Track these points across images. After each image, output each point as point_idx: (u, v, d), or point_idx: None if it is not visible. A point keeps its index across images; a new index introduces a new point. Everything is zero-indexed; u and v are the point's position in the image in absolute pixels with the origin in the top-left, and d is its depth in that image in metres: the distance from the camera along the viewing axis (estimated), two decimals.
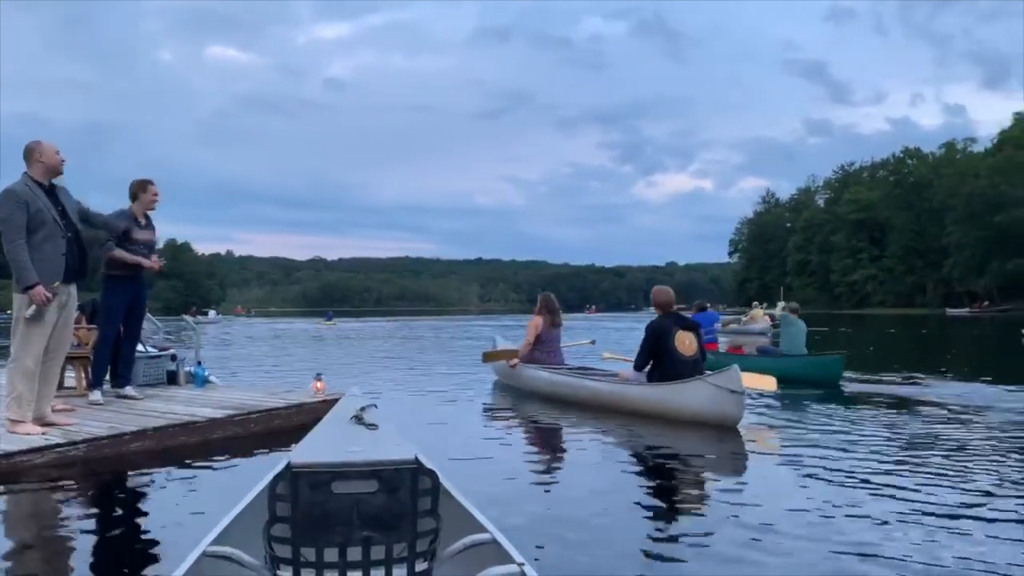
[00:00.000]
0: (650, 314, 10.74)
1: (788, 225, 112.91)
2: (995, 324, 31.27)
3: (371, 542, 1.92)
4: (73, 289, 5.22)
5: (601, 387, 7.41)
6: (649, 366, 7.02)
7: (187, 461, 4.89)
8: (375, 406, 2.58)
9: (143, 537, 3.50)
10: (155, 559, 3.13)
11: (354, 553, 1.91)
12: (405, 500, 1.96)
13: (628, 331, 25.13)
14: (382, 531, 1.93)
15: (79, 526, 3.68)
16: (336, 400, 6.32)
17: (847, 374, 10.02)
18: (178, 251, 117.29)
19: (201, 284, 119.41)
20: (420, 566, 1.96)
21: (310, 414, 6.22)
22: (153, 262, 6.43)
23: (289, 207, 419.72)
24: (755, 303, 32.55)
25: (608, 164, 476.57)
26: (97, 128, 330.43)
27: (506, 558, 1.94)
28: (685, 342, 6.85)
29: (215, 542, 1.99)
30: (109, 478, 4.59)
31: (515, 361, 8.85)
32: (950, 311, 64.21)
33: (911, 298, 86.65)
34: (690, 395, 6.41)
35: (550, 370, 8.38)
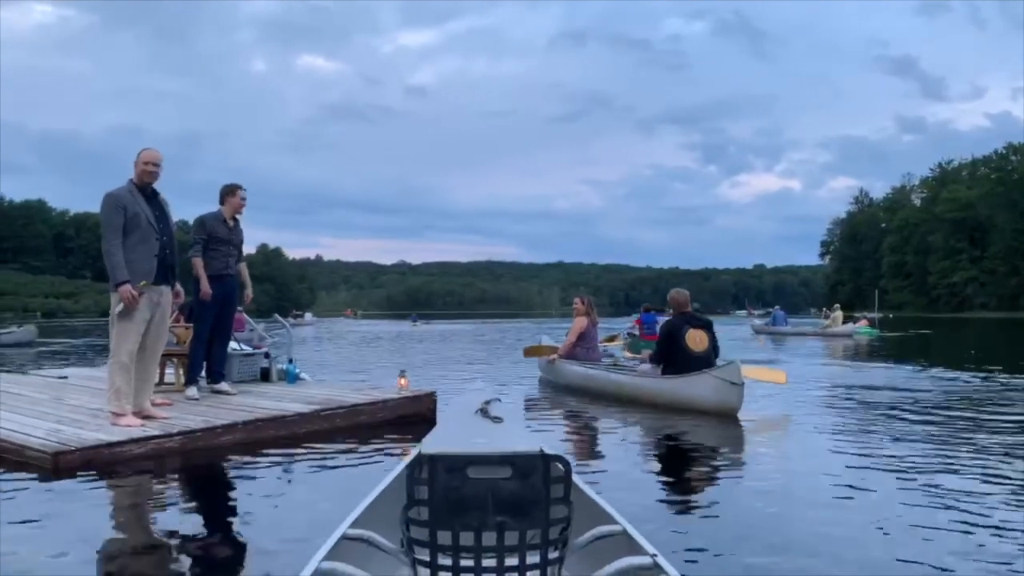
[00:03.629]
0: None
1: (883, 226, 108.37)
2: None
3: (505, 527, 1.91)
4: (166, 289, 5.45)
5: (623, 380, 8.27)
6: (664, 361, 7.66)
7: (275, 453, 5.06)
8: (499, 400, 2.61)
9: (243, 524, 3.60)
10: (269, 544, 3.19)
11: (488, 538, 1.91)
12: (538, 487, 1.96)
13: None
14: (516, 517, 1.93)
15: (182, 512, 3.86)
16: (418, 396, 6.50)
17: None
18: (271, 256, 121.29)
19: (292, 288, 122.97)
20: (553, 554, 1.95)
21: (394, 410, 6.35)
22: (204, 291, 6.41)
23: (374, 212, 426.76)
24: (835, 305, 31.36)
25: (691, 165, 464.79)
26: (190, 138, 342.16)
27: (638, 549, 1.95)
28: (696, 339, 7.46)
29: (352, 526, 2.06)
30: (203, 468, 4.80)
31: (553, 357, 9.64)
32: None
33: (1015, 301, 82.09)
34: (696, 387, 7.05)
35: (583, 365, 9.12)
